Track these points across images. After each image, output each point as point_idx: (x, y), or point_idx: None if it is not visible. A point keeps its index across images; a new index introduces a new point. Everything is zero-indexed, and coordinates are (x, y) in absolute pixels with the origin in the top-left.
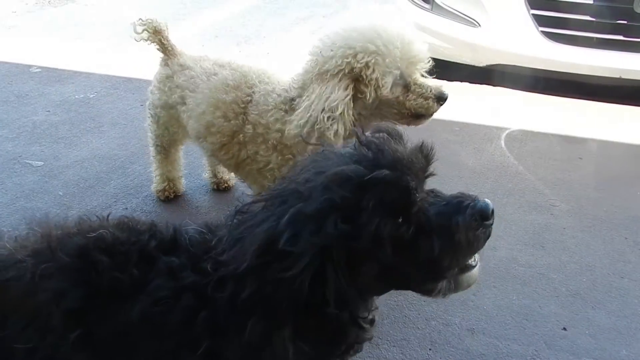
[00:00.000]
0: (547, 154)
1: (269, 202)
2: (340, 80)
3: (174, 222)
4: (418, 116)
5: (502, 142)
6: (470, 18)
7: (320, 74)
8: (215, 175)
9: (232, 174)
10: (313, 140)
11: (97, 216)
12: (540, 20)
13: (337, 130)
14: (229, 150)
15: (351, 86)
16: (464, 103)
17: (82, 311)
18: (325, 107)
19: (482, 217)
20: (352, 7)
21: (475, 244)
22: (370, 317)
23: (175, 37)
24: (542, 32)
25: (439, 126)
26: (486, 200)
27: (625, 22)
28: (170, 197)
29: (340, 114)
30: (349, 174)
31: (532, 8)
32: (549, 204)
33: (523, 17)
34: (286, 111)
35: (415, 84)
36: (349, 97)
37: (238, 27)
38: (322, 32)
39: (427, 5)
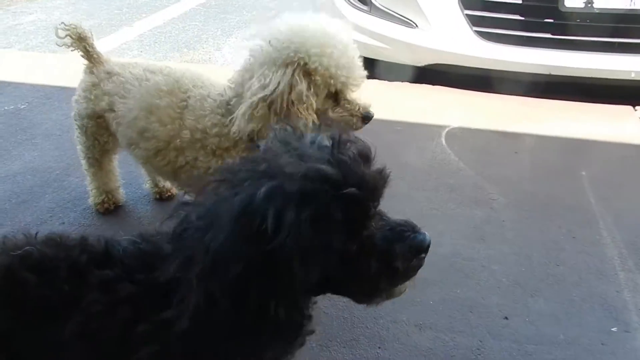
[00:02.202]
0: (485, 149)
1: (224, 184)
2: (295, 70)
3: (105, 236)
4: (353, 130)
5: (443, 140)
6: (408, 19)
7: (267, 61)
8: (156, 185)
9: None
10: (269, 121)
11: (24, 234)
12: (473, 20)
13: (313, 120)
14: (165, 157)
15: (306, 79)
16: (406, 103)
17: (9, 334)
18: (293, 97)
19: (418, 250)
20: (292, 13)
21: (408, 273)
22: (308, 313)
23: (112, 44)
24: (476, 31)
25: (382, 127)
26: (425, 234)
27: (552, 20)
28: (111, 208)
29: (309, 102)
30: (330, 177)
31: (466, 8)
32: (488, 198)
33: (457, 17)
34: (223, 115)
35: (345, 99)
36: (310, 86)
37: (178, 32)
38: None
39: (365, 7)
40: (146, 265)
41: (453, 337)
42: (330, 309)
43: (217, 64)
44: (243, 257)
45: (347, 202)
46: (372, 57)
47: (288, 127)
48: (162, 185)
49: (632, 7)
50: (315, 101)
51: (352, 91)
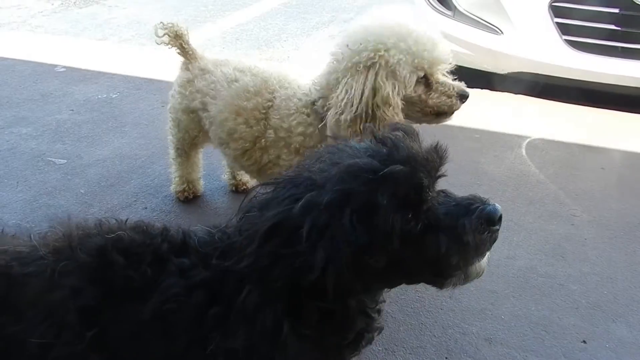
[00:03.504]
0: (568, 163)
1: (279, 186)
2: (377, 71)
3: (184, 226)
4: (440, 114)
5: (523, 151)
6: (493, 25)
7: (349, 67)
8: (234, 177)
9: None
10: (358, 126)
11: (115, 219)
12: (564, 29)
13: (398, 118)
14: (251, 156)
15: (391, 77)
16: (485, 110)
17: (98, 309)
18: (378, 100)
19: (488, 222)
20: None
21: (481, 247)
22: (377, 307)
23: (196, 40)
24: (566, 40)
25: (460, 133)
26: (495, 205)
27: None
28: (190, 197)
29: (394, 104)
30: (363, 166)
31: (556, 16)
32: (570, 214)
33: (546, 25)
34: (308, 115)
35: (437, 82)
36: (395, 87)
37: (259, 31)
38: (342, 33)
39: (448, 12)
40: (220, 253)
41: (525, 355)
42: (397, 314)
43: (295, 63)
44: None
45: (393, 183)
46: (455, 63)
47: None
48: (239, 178)
49: None
50: (406, 93)
51: (442, 73)
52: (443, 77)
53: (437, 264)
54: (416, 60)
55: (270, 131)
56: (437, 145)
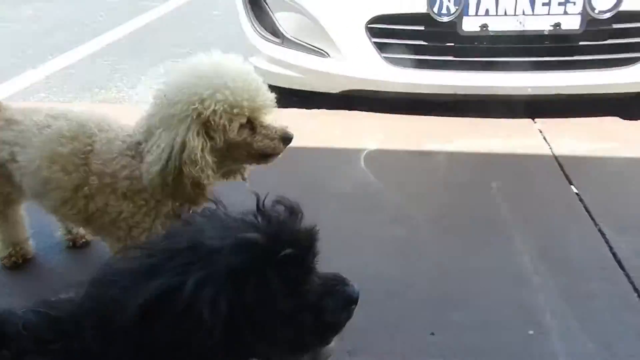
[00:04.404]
0: (402, 169)
1: (152, 252)
2: (189, 126)
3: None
4: (266, 156)
5: (362, 163)
6: (320, 49)
7: (164, 117)
8: (69, 232)
9: None
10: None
11: None
12: (381, 47)
13: (208, 177)
14: (74, 206)
15: (202, 132)
16: (325, 129)
17: None
18: (185, 156)
19: (349, 302)
20: (206, 49)
21: (338, 326)
22: None
23: (15, 88)
24: (385, 57)
25: (303, 154)
26: (354, 286)
27: (452, 44)
28: (19, 262)
29: (204, 161)
30: (255, 242)
31: (373, 37)
32: (408, 216)
33: (366, 45)
34: (133, 157)
35: (261, 126)
36: (205, 144)
37: (88, 72)
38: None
39: (277, 40)
40: (60, 333)
41: (382, 357)
42: None
43: (131, 103)
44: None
45: (283, 264)
46: (289, 86)
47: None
48: (75, 232)
49: (522, 28)
50: (230, 138)
51: (266, 114)
52: (268, 120)
53: (295, 339)
54: (235, 110)
55: (94, 177)
56: (313, 227)
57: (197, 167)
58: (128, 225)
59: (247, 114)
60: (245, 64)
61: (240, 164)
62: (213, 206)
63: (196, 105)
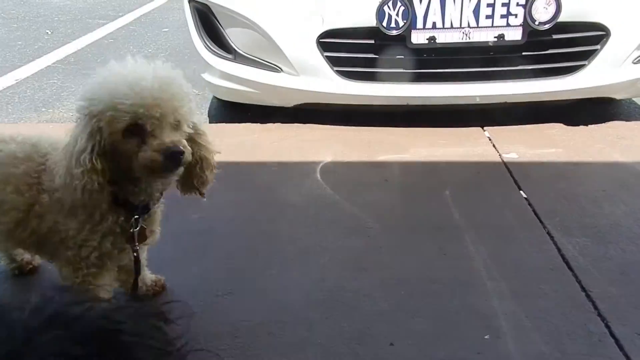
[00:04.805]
0: (358, 180)
1: None
2: (82, 130)
3: None
4: (153, 171)
5: (318, 175)
6: (272, 64)
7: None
8: (13, 259)
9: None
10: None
11: None
12: (334, 61)
13: (85, 185)
14: (27, 227)
15: (95, 137)
16: (280, 143)
17: None
18: (74, 160)
19: None
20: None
21: None
22: None
23: None
24: (337, 71)
25: (259, 169)
26: None
27: (402, 56)
28: None
29: (90, 165)
30: None
31: (325, 51)
32: (365, 227)
33: (317, 59)
34: None
35: (153, 137)
36: (93, 147)
37: (34, 92)
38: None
39: (229, 55)
40: None
41: None
42: None
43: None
44: None
45: None
46: (242, 101)
47: None
48: (21, 259)
49: (468, 40)
50: (118, 147)
51: (170, 129)
52: (171, 136)
53: None
54: (120, 109)
55: (44, 195)
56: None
57: (87, 172)
58: (76, 244)
59: (128, 119)
60: (168, 71)
61: (134, 175)
62: None
63: (91, 110)
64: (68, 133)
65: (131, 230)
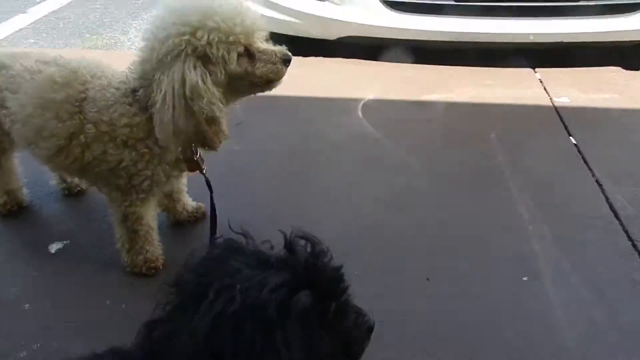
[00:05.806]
0: (400, 119)
1: (182, 297)
2: (184, 60)
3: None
4: (269, 82)
5: (359, 112)
6: None
7: (158, 59)
8: (64, 180)
9: None
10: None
11: None
12: None
13: (220, 109)
14: (69, 155)
15: (200, 65)
16: (321, 78)
17: None
18: (188, 93)
19: (369, 332)
20: None
21: (361, 353)
22: None
23: (4, 32)
24: (384, 2)
25: (299, 102)
26: (370, 317)
27: None
28: (14, 209)
29: (209, 93)
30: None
31: None
32: (405, 166)
33: None
34: (130, 104)
35: (259, 51)
36: (206, 76)
37: (77, 17)
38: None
39: None
40: None
41: (380, 303)
42: None
43: (123, 49)
44: None
45: (323, 302)
46: (285, 32)
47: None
48: (70, 181)
49: None
50: (230, 71)
51: (261, 40)
52: (263, 44)
53: None
54: (231, 37)
55: (90, 126)
56: (340, 266)
57: (205, 100)
58: (128, 174)
59: (242, 40)
60: None
61: (243, 95)
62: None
63: (188, 37)
64: (139, 67)
65: (194, 158)
